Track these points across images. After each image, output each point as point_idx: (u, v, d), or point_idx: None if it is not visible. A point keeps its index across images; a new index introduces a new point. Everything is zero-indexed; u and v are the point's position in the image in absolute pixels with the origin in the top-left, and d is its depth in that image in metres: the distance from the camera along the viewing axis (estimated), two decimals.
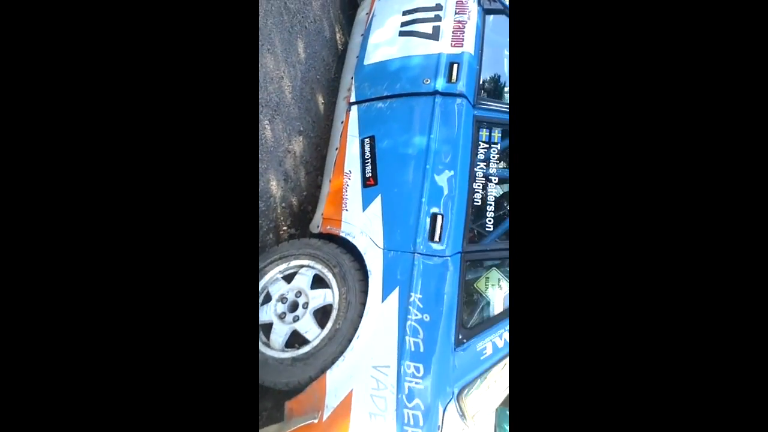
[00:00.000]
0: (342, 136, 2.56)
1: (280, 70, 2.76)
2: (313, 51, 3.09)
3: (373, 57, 2.74)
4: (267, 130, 2.62)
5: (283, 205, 2.82)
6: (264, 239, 2.60)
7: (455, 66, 2.52)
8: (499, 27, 2.86)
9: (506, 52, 2.86)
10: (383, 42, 2.77)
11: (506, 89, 2.97)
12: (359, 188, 2.35)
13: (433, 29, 2.69)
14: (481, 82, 2.64)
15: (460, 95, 2.45)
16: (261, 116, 2.55)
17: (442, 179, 2.26)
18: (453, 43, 2.61)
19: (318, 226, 2.37)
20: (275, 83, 2.73)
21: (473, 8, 2.76)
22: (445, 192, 2.24)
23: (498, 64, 2.89)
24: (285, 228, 2.83)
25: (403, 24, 2.78)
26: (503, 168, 2.42)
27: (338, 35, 3.50)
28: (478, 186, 2.32)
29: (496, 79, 2.96)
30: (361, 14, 3.11)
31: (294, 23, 2.94)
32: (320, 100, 3.18)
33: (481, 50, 2.67)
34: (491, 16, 2.85)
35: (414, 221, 2.18)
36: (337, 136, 2.62)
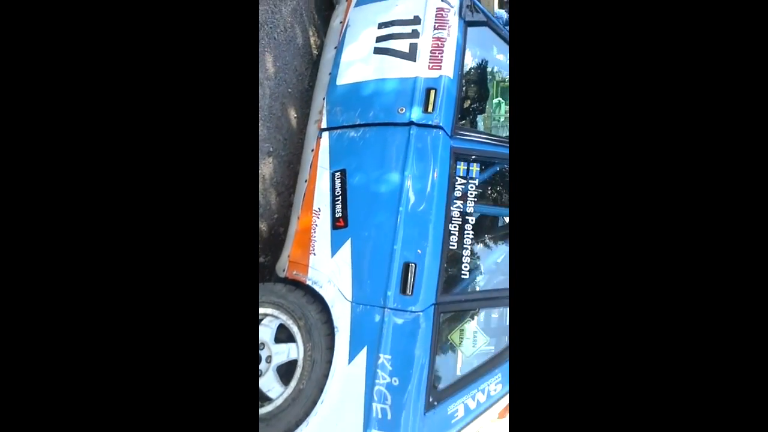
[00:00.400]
0: (312, 167, 2.39)
1: None
2: (284, 63, 2.88)
3: (346, 77, 2.54)
4: None
5: None
6: None
7: (432, 93, 2.33)
8: (482, 40, 2.66)
9: (494, 69, 2.68)
10: (357, 60, 2.56)
11: (492, 111, 2.81)
12: (328, 229, 2.20)
13: (410, 47, 2.48)
14: (461, 105, 2.46)
15: (437, 127, 2.28)
16: None
17: (415, 223, 2.12)
18: (431, 64, 2.41)
19: (284, 270, 2.24)
20: None
21: (454, 22, 2.54)
22: (419, 237, 2.10)
23: (481, 80, 2.71)
24: None
25: (379, 39, 2.56)
26: (481, 204, 2.28)
27: (313, 38, 3.27)
28: (455, 227, 2.18)
29: (478, 97, 2.79)
30: (335, 22, 2.87)
31: (261, 36, 2.71)
32: (293, 114, 2.99)
33: (461, 70, 2.47)
34: (473, 29, 2.63)
35: (385, 271, 2.05)
36: (306, 166, 2.45)
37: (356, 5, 2.77)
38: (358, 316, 2.00)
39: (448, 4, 2.58)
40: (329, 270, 2.12)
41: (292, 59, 2.95)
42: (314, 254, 2.18)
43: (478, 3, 2.66)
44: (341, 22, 2.78)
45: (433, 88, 2.35)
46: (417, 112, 2.30)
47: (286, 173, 2.89)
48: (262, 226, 2.73)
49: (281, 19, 2.81)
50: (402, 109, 2.32)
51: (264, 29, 2.72)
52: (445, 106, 2.33)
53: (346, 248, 2.13)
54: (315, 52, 3.30)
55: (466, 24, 2.60)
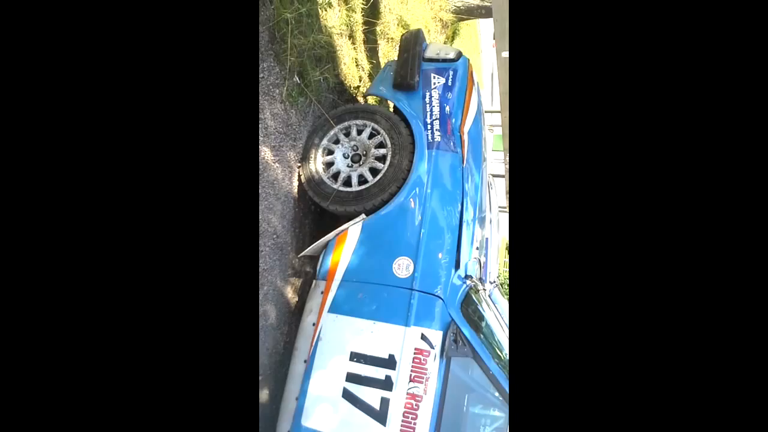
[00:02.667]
0: None
1: None
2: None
3: (312, 418, 2.31)
4: None
5: None
6: None
7: None
8: (467, 371, 2.37)
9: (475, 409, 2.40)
10: (325, 397, 2.32)
11: None
12: None
13: (382, 403, 2.22)
14: None
15: None
16: None
17: None
18: None
19: None
20: None
21: (433, 372, 2.25)
22: None
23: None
24: None
25: (349, 377, 2.31)
26: None
27: (291, 288, 3.01)
28: None
29: None
30: (307, 320, 2.60)
31: None
32: (265, 391, 2.78)
33: None
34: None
35: None
36: None
37: (330, 310, 2.50)
38: None
39: (429, 344, 2.29)
40: None
41: (263, 342, 2.72)
42: None
43: (465, 329, 2.35)
44: (314, 324, 2.53)
45: None
46: None
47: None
48: None
49: None
50: None
51: None
52: None
53: None
54: (296, 299, 3.06)
55: (449, 360, 2.31)
